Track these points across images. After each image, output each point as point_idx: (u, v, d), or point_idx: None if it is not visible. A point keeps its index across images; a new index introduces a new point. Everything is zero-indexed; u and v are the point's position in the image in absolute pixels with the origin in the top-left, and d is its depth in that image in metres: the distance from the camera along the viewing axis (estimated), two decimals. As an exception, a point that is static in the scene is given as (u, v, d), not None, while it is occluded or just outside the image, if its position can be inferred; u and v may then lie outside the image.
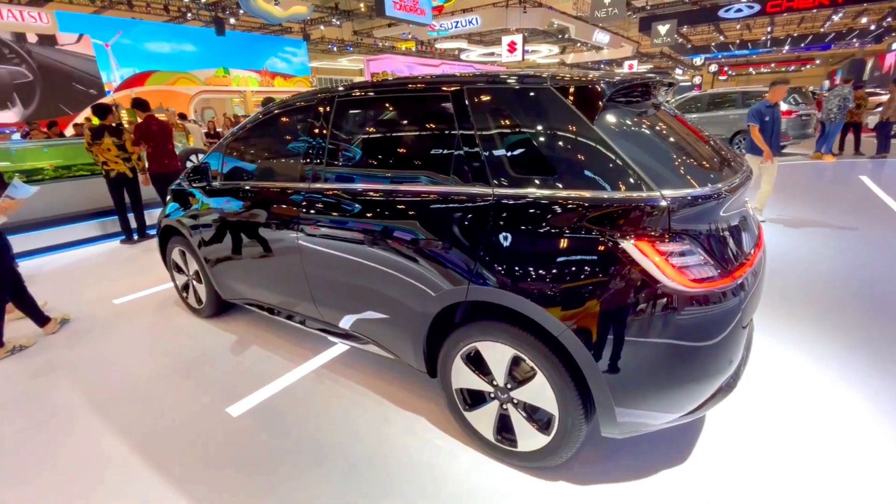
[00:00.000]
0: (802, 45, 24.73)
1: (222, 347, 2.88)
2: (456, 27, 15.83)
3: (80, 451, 2.03)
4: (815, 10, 15.75)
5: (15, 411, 2.35)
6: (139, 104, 5.41)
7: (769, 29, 24.02)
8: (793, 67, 33.94)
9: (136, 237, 5.61)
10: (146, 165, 5.52)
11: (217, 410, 2.24)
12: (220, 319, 3.27)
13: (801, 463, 1.77)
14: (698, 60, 28.71)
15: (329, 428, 2.09)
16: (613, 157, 1.44)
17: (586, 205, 1.44)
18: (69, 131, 10.73)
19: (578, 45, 23.98)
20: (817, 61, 34.71)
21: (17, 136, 9.69)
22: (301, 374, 2.52)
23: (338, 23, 18.00)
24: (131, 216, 5.56)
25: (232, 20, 16.22)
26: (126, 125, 6.48)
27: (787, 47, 25.49)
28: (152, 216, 5.72)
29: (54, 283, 4.27)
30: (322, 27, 18.98)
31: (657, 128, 1.70)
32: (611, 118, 1.55)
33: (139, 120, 5.43)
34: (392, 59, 20.66)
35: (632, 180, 1.41)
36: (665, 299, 1.36)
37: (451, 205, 1.71)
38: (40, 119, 11.06)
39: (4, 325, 2.95)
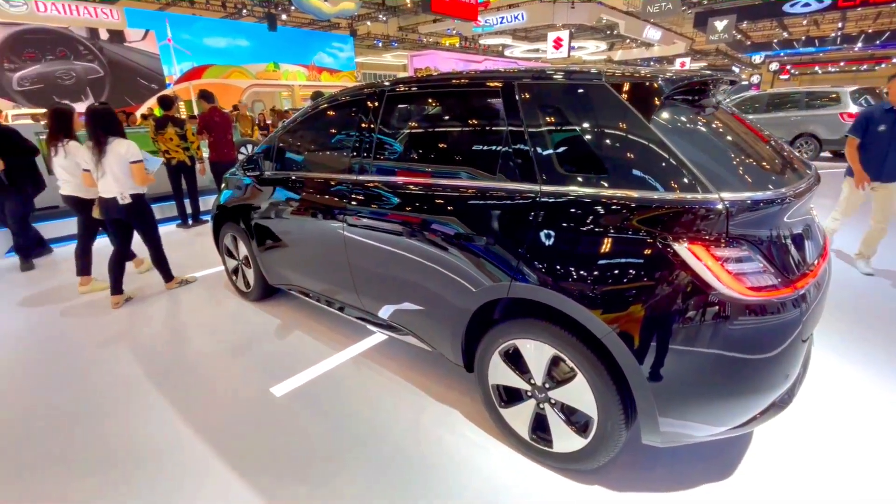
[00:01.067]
0: (878, 42, 22.79)
1: (267, 330, 3.01)
2: (501, 23, 15.70)
3: (134, 421, 2.19)
4: (894, 6, 14.49)
5: (77, 378, 2.56)
6: (205, 96, 5.73)
7: (840, 25, 22.27)
8: (865, 66, 31.38)
9: (190, 222, 5.94)
10: (203, 155, 5.84)
11: (262, 390, 2.35)
12: (266, 303, 3.41)
13: (856, 491, 1.66)
14: (757, 58, 27.08)
15: (364, 414, 2.15)
16: (669, 157, 1.39)
17: (639, 205, 1.40)
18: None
19: (627, 41, 23.20)
20: (894, 59, 31.92)
21: None
22: (340, 361, 2.60)
23: (384, 18, 18.27)
24: (187, 202, 5.90)
25: (283, 16, 16.80)
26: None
27: (859, 45, 23.57)
28: (206, 202, 6.05)
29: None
30: (368, 23, 19.31)
31: (716, 128, 1.63)
32: (667, 116, 1.50)
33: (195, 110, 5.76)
34: (435, 54, 20.74)
35: (688, 181, 1.36)
36: (719, 307, 1.31)
37: (497, 201, 1.71)
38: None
39: (169, 264, 3.75)
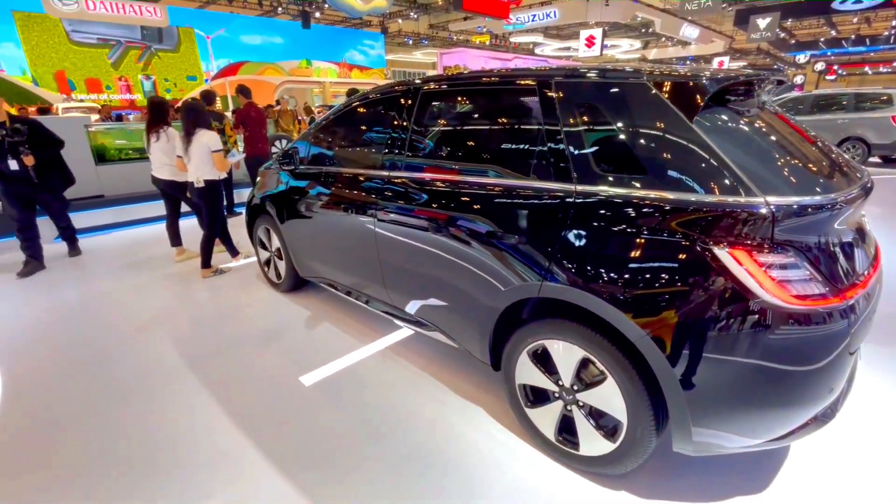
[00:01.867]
0: (936, 41, 21.39)
1: (297, 321, 3.09)
2: (533, 20, 15.51)
3: (168, 405, 2.28)
4: (957, 1, 13.54)
5: (119, 361, 2.69)
6: (243, 91, 5.89)
7: (894, 23, 21.01)
8: (921, 67, 29.53)
9: (224, 214, 6.12)
10: (240, 149, 6.01)
11: (292, 378, 2.42)
12: (296, 295, 3.50)
13: (905, 512, 1.57)
14: (802, 57, 25.85)
15: (389, 408, 2.18)
16: (712, 159, 1.36)
17: (680, 207, 1.37)
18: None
19: (663, 39, 22.57)
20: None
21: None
22: (367, 353, 2.65)
23: (415, 16, 18.36)
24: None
25: (317, 14, 17.10)
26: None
27: (916, 44, 22.17)
28: (240, 195, 6.23)
29: (156, 251, 4.79)
30: (399, 20, 19.44)
31: (762, 129, 1.57)
32: (711, 117, 1.46)
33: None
34: (465, 52, 20.71)
35: (732, 184, 1.32)
36: (760, 315, 1.27)
37: (530, 200, 1.70)
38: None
39: (212, 253, 4.00)
